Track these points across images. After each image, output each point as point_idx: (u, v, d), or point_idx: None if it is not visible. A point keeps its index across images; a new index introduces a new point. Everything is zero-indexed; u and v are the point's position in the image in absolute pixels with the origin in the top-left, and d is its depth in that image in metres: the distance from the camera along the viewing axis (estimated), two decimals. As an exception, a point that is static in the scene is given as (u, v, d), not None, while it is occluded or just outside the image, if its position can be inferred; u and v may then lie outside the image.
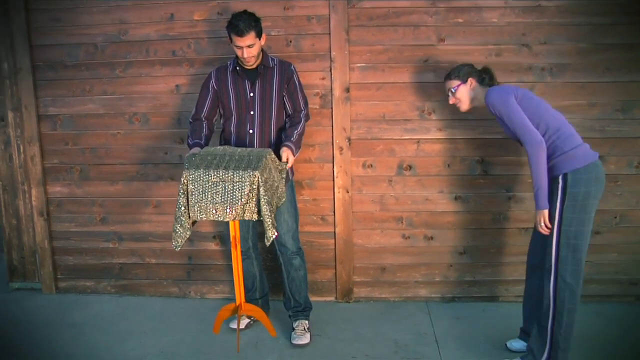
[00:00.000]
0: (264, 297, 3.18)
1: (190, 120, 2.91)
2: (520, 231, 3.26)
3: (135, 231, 3.48)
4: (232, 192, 2.47)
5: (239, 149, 2.65)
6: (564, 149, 2.42)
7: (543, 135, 2.43)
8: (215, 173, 2.47)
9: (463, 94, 2.69)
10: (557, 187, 2.42)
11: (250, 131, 2.81)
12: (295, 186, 3.07)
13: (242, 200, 2.46)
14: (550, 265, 2.44)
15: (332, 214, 3.33)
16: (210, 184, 2.48)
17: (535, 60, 3.11)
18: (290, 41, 3.20)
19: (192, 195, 2.49)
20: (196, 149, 2.70)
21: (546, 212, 2.43)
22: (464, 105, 2.72)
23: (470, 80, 2.68)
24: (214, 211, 2.48)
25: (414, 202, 3.30)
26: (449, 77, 2.74)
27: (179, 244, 2.56)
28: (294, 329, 2.95)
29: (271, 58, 2.86)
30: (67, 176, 3.47)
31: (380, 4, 3.13)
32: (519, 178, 3.22)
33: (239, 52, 2.71)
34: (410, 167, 3.27)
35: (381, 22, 3.15)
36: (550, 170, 2.45)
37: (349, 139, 3.24)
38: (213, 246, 3.46)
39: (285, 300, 3.07)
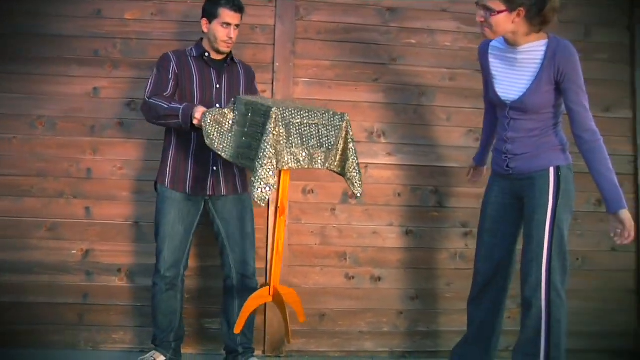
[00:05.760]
0: (178, 342, 2.53)
1: (147, 97, 2.37)
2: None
3: (19, 260, 2.80)
4: (327, 136, 2.12)
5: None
6: (562, 141, 2.14)
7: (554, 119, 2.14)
8: (301, 113, 2.09)
9: (501, 23, 2.02)
10: (546, 181, 2.07)
11: None
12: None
13: (337, 146, 2.15)
14: (540, 277, 2.02)
15: (265, 245, 2.85)
16: (301, 124, 2.08)
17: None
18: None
19: (281, 138, 2.03)
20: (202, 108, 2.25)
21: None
22: (493, 35, 2.09)
23: (520, 10, 2.00)
24: (305, 157, 2.09)
25: (360, 235, 2.89)
26: None
27: (266, 195, 1.99)
28: None
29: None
30: (-60, 188, 2.82)
31: (330, 18, 2.95)
32: (476, 212, 2.90)
33: (224, 32, 2.39)
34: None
35: (330, 37, 2.95)
36: (534, 160, 2.11)
37: (290, 160, 2.86)
38: (116, 282, 2.82)
39: (229, 334, 2.47)
